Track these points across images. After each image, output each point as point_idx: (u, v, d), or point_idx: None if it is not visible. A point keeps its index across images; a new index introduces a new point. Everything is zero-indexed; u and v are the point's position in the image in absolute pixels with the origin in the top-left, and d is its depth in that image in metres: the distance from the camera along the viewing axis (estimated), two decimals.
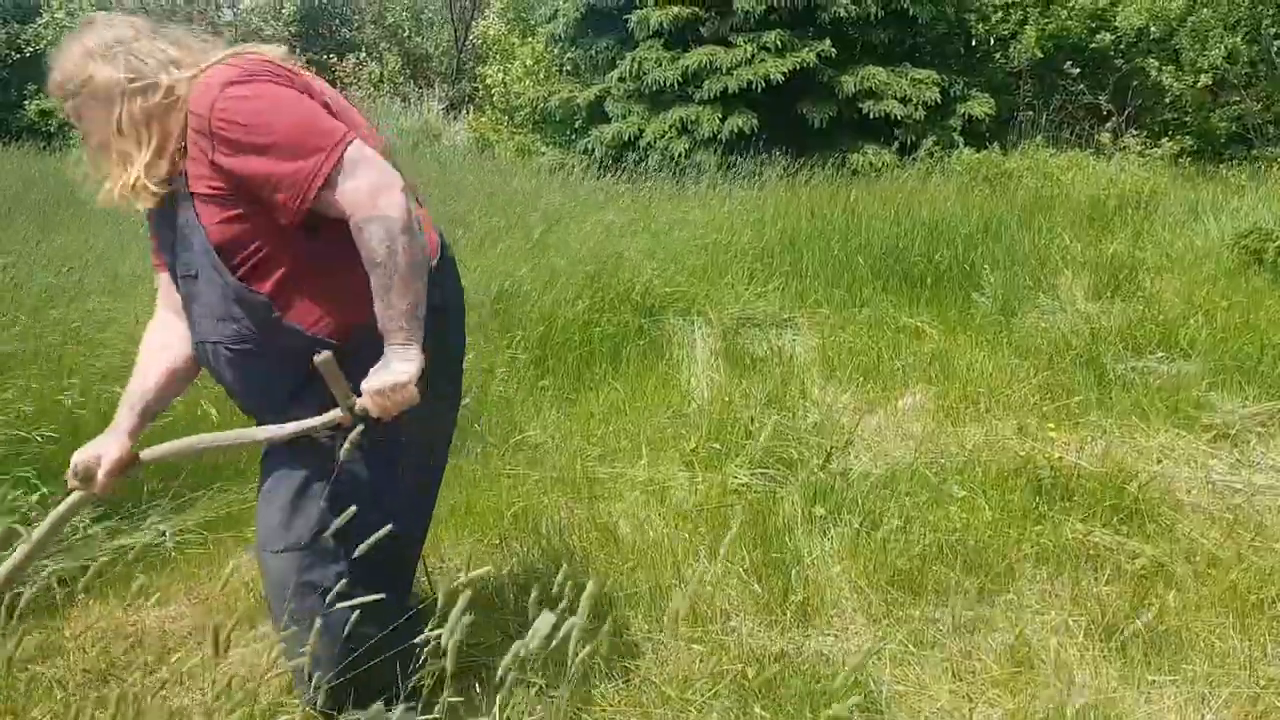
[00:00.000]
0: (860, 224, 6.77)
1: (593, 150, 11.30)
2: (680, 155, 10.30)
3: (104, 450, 1.85)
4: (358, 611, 1.72)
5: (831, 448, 3.46)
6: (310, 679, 1.80)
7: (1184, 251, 6.38)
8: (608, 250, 5.85)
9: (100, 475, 1.83)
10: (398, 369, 1.71)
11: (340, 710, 1.85)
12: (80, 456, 1.84)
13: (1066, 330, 4.85)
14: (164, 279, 1.97)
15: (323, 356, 1.69)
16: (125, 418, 1.88)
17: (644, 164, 10.08)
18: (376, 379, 1.72)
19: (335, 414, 1.77)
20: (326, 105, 1.79)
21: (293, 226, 1.71)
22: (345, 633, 1.73)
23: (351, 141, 1.68)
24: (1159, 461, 3.50)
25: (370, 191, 1.67)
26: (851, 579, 2.67)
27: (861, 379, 4.43)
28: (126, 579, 2.69)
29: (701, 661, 2.27)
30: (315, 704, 1.86)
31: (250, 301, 1.76)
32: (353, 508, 1.71)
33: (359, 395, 1.74)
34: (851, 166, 10.04)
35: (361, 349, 1.75)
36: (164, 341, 1.94)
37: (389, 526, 1.69)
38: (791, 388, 4.22)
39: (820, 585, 2.63)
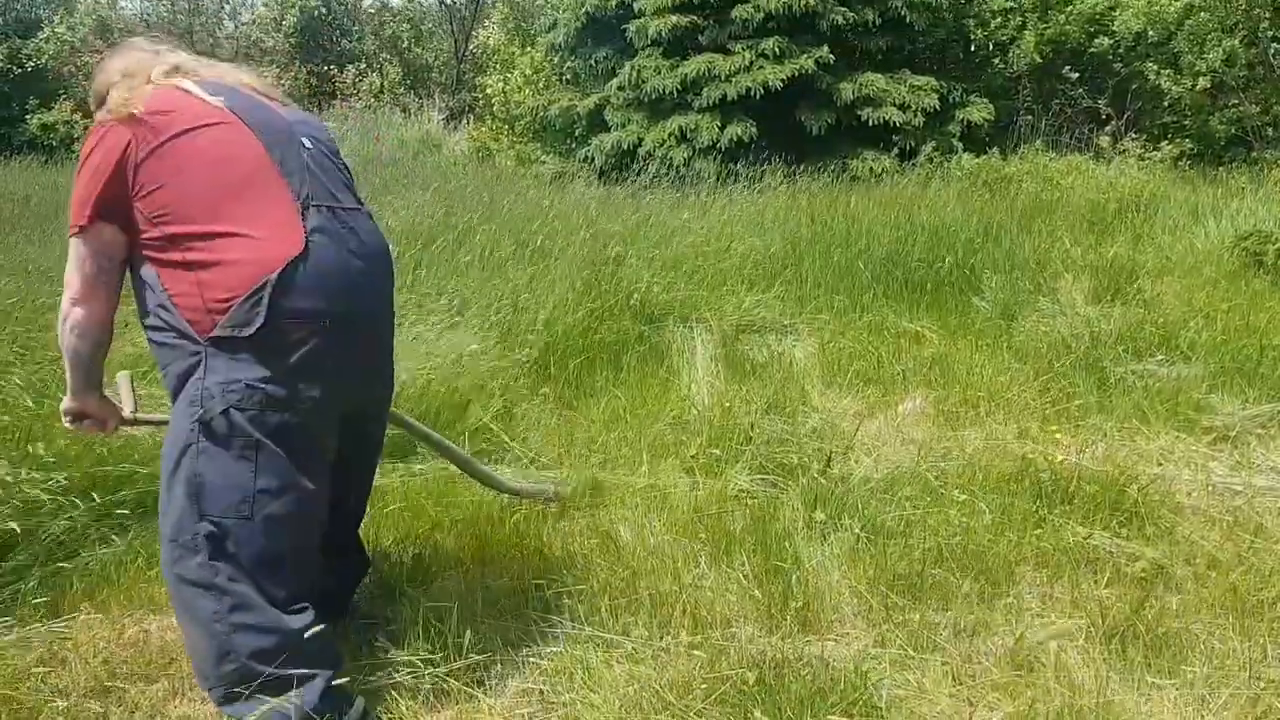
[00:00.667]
0: (860, 230, 6.78)
1: (593, 159, 11.33)
2: (680, 163, 10.31)
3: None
4: (227, 607, 1.97)
5: (832, 453, 3.47)
6: (199, 672, 2.06)
7: (1184, 254, 6.39)
8: (608, 258, 5.86)
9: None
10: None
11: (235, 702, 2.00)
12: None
13: (1067, 334, 4.85)
14: None
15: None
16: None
17: (644, 172, 10.09)
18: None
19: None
20: (168, 143, 2.00)
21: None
22: (214, 627, 1.97)
23: (76, 234, 2.00)
24: (1159, 464, 3.50)
25: (65, 279, 2.04)
26: (852, 584, 2.67)
27: (862, 384, 4.44)
28: (128, 588, 2.70)
29: (702, 667, 2.28)
30: (216, 703, 2.05)
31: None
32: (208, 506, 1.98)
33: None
34: (851, 173, 10.05)
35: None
36: None
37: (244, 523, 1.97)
38: (792, 393, 4.23)
39: (820, 590, 2.63)
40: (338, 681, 2.04)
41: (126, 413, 2.34)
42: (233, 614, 1.97)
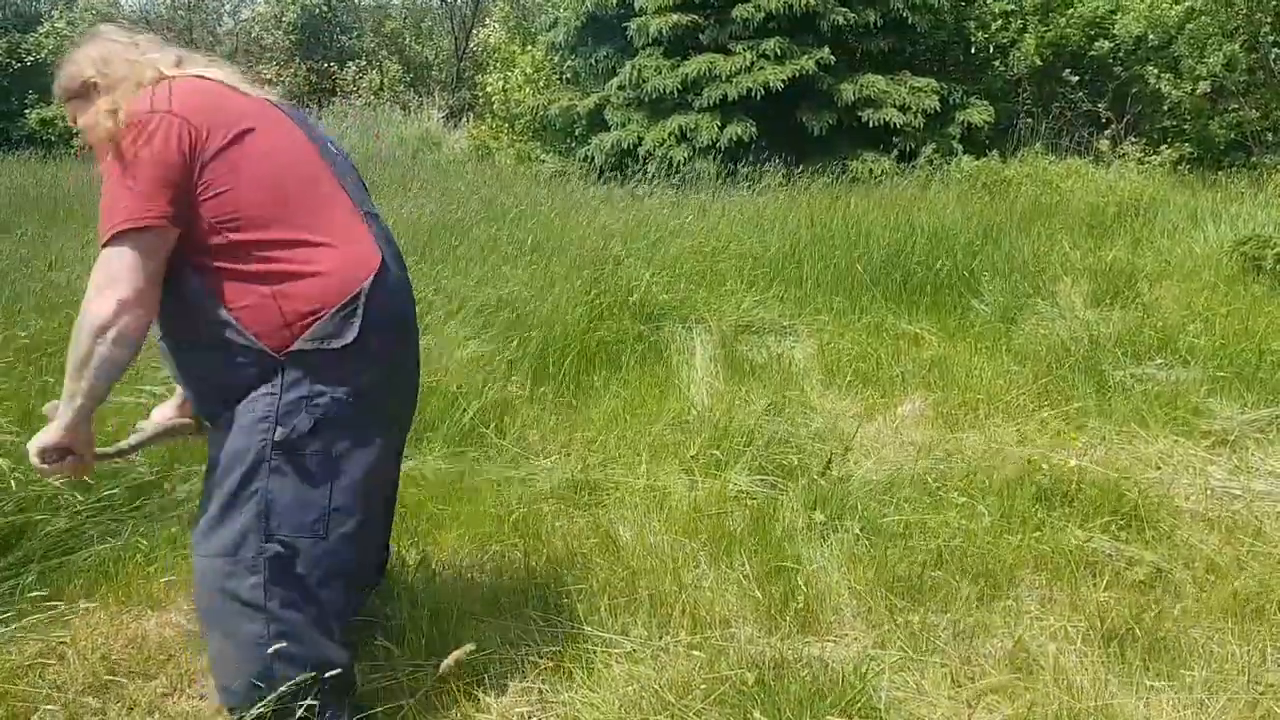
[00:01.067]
0: (860, 231, 6.78)
1: (593, 158, 11.32)
2: (680, 163, 10.31)
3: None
4: (272, 628, 1.88)
5: (831, 454, 3.47)
6: (222, 687, 1.95)
7: (1183, 258, 6.39)
8: (607, 257, 5.86)
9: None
10: (38, 435, 1.88)
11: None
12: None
13: (1066, 337, 4.85)
14: None
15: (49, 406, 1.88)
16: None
17: (644, 172, 10.08)
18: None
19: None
20: (235, 143, 1.85)
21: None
22: (255, 651, 1.87)
23: (117, 234, 1.77)
24: (1158, 467, 3.51)
25: (98, 284, 1.78)
26: (851, 585, 2.67)
27: (861, 385, 4.44)
28: (127, 584, 2.70)
29: (701, 667, 2.28)
30: (230, 710, 1.96)
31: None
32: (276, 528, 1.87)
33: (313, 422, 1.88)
34: (851, 174, 10.05)
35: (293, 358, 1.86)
36: None
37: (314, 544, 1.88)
38: (791, 394, 4.23)
39: (820, 591, 2.63)
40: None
41: (108, 448, 2.10)
42: (276, 641, 1.88)
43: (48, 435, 1.86)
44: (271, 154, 1.89)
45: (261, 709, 1.87)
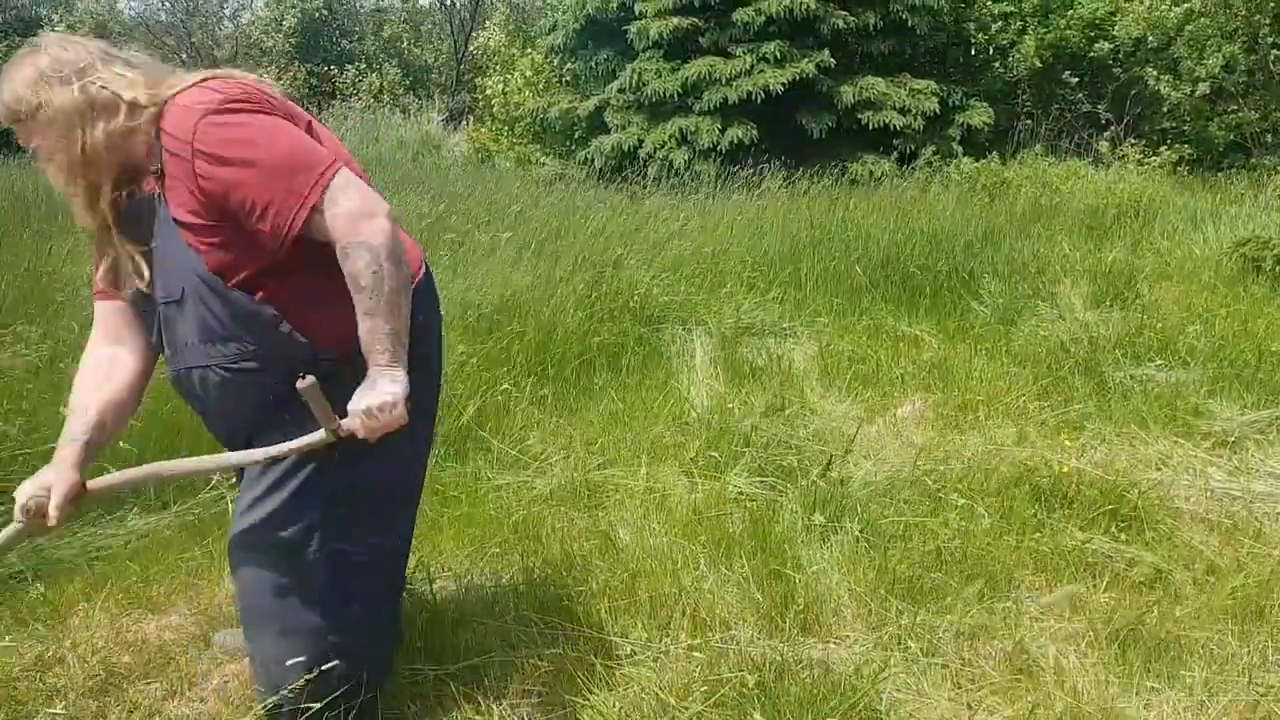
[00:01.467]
0: (859, 233, 6.78)
1: (593, 161, 11.33)
2: (680, 166, 10.31)
3: (52, 482, 1.76)
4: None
5: (831, 456, 3.47)
6: (273, 686, 1.89)
7: (1183, 260, 6.40)
8: (607, 259, 5.86)
9: (52, 508, 1.74)
10: (385, 389, 1.69)
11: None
12: (29, 489, 1.76)
13: (1065, 338, 4.85)
14: (105, 308, 1.91)
15: (307, 382, 1.64)
16: (70, 450, 1.79)
17: (644, 175, 10.09)
18: (365, 399, 1.69)
19: (314, 437, 1.74)
20: (309, 128, 1.79)
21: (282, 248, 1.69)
22: (318, 641, 1.86)
23: (339, 170, 1.68)
24: (1158, 469, 3.50)
25: (355, 217, 1.67)
26: (851, 587, 2.67)
27: (861, 387, 4.44)
28: (127, 588, 2.70)
29: (702, 670, 2.27)
30: (277, 714, 1.93)
31: (257, 316, 1.74)
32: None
33: (343, 416, 1.72)
34: (851, 176, 10.06)
35: (360, 359, 1.73)
36: (106, 374, 1.88)
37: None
38: (791, 396, 4.23)
39: (820, 593, 2.63)
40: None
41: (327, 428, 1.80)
42: (333, 635, 1.87)
43: (399, 386, 1.70)
44: (339, 150, 1.84)
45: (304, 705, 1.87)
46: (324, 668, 1.85)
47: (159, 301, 1.81)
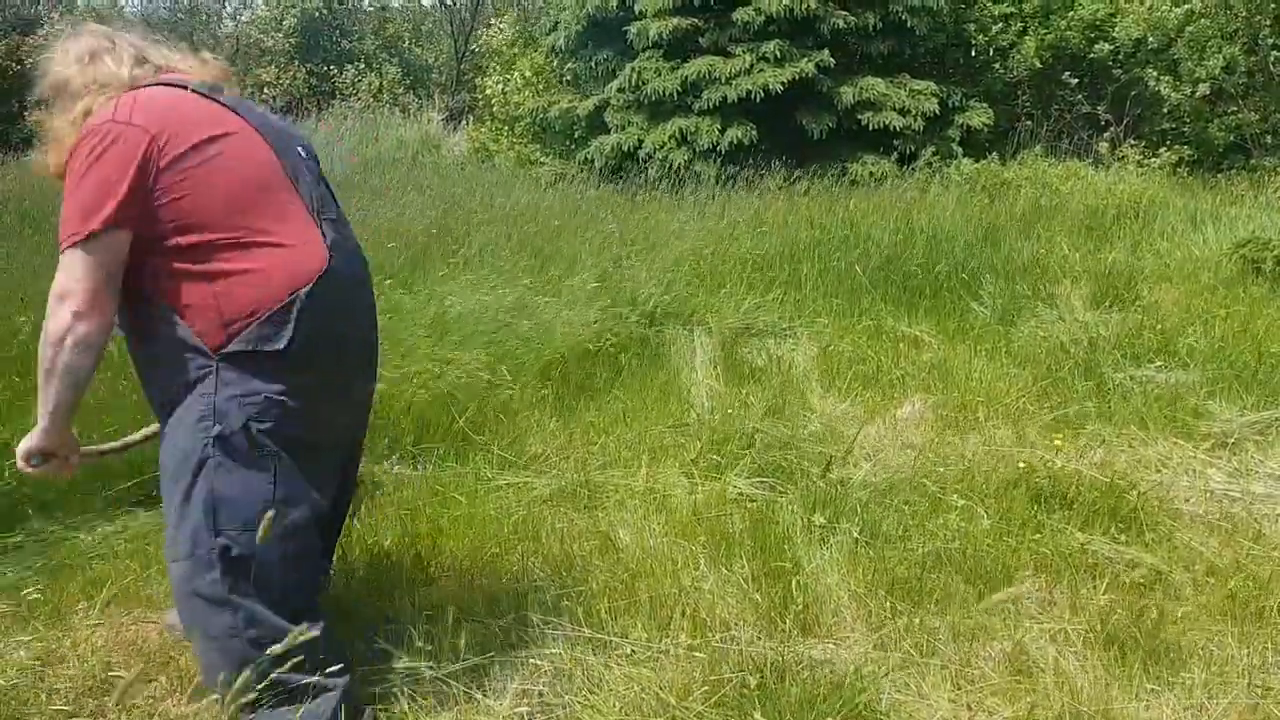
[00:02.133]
0: (859, 234, 6.79)
1: (592, 160, 11.31)
2: (680, 166, 10.30)
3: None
4: (240, 619, 1.94)
5: (831, 457, 3.47)
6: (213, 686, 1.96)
7: (1182, 261, 6.40)
8: (607, 259, 5.86)
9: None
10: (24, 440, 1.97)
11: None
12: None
13: (1065, 339, 4.86)
14: None
15: None
16: None
17: (644, 174, 10.07)
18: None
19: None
20: (195, 151, 1.92)
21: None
22: (229, 642, 1.93)
23: (74, 243, 1.84)
24: (1158, 470, 3.50)
25: (55, 294, 1.85)
26: (851, 587, 2.67)
27: (861, 388, 4.44)
28: (126, 587, 2.70)
29: (702, 670, 2.27)
30: (240, 716, 1.94)
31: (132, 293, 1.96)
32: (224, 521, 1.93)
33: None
34: (850, 177, 10.04)
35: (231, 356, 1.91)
36: None
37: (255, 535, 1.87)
38: (791, 397, 4.23)
39: (820, 594, 2.63)
40: (351, 690, 2.04)
41: (89, 447, 2.17)
42: (248, 629, 1.94)
43: (31, 440, 1.96)
44: (228, 161, 1.95)
45: (246, 694, 1.87)
46: (245, 659, 1.90)
47: None
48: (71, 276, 1.84)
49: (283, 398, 1.94)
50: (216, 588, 1.94)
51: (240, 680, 1.88)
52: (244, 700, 1.89)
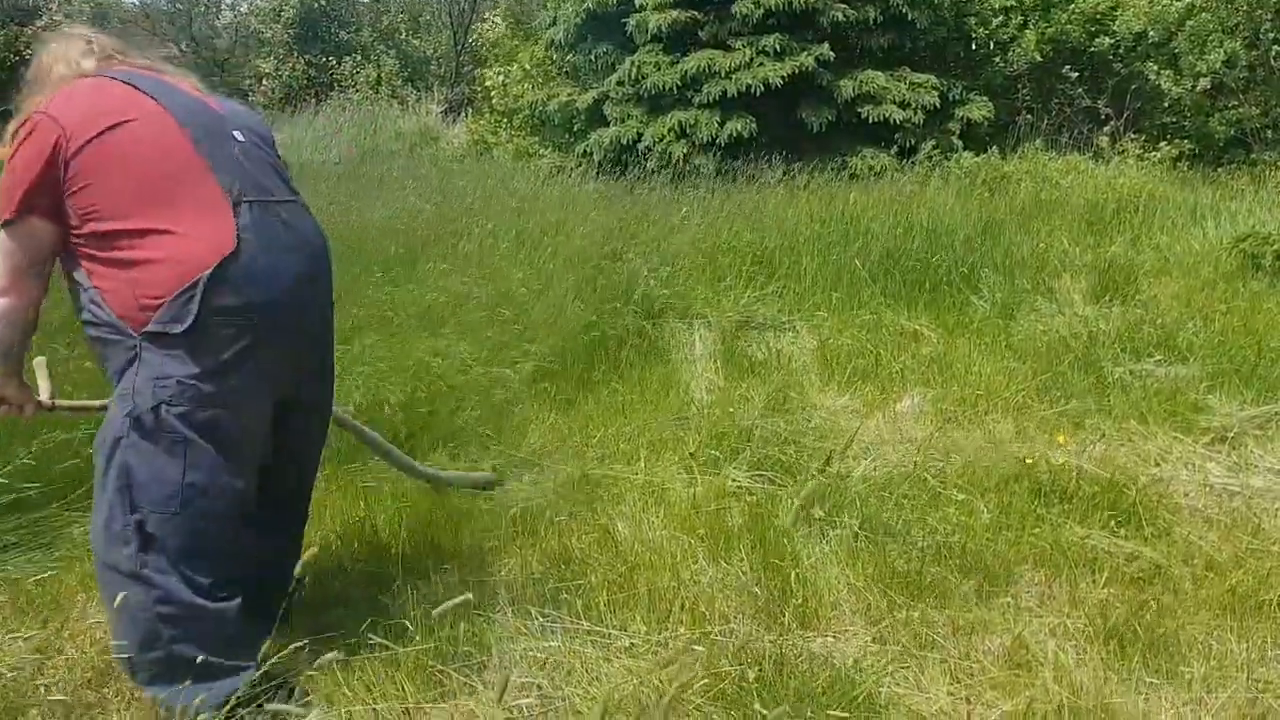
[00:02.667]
0: (859, 227, 6.77)
1: (592, 153, 11.30)
2: (679, 159, 10.29)
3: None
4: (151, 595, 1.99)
5: (830, 450, 3.47)
6: (124, 657, 2.05)
7: (1182, 255, 6.39)
8: (606, 253, 5.85)
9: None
10: None
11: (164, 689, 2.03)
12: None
13: (1065, 333, 4.85)
14: None
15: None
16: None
17: (643, 167, 10.05)
18: None
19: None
20: (101, 137, 1.99)
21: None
22: (140, 616, 1.99)
23: (4, 225, 1.98)
24: (1157, 464, 3.50)
25: None
26: (850, 581, 2.67)
27: (860, 382, 4.43)
28: None
29: (701, 663, 2.27)
30: (140, 685, 2.08)
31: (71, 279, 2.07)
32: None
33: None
34: (850, 170, 10.03)
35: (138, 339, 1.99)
36: None
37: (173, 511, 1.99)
38: (790, 391, 4.22)
39: (819, 587, 2.63)
40: (258, 675, 2.04)
41: (44, 398, 2.28)
42: (159, 605, 2.00)
43: None
44: (134, 148, 2.02)
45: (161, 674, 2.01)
46: (154, 634, 2.00)
47: None
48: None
49: (195, 382, 1.99)
50: (131, 562, 2.00)
51: (152, 657, 2.00)
52: (149, 674, 2.02)
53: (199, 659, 1.98)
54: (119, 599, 1.96)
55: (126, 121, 2.02)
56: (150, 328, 1.97)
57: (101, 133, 1.99)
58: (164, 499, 2.00)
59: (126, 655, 2.05)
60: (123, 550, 2.00)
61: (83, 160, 1.97)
